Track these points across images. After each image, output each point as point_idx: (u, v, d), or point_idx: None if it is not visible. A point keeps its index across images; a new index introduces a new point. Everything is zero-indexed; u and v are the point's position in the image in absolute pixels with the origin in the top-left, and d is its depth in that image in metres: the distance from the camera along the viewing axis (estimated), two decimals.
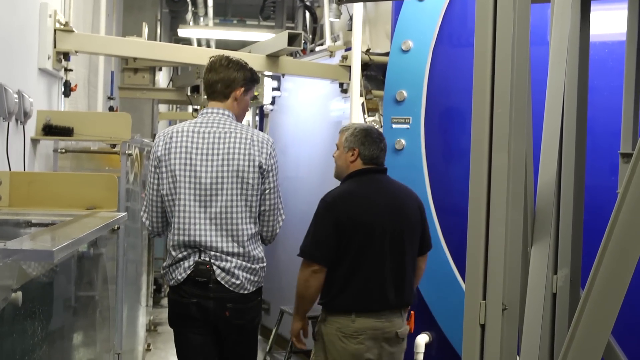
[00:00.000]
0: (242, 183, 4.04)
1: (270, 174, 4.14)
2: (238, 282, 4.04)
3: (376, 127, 6.44)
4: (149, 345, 8.13)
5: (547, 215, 3.06)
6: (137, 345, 6.71)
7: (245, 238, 4.05)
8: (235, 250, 4.03)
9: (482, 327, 2.64)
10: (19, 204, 4.36)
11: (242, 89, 4.24)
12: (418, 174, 5.45)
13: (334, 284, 4.31)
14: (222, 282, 4.02)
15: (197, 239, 4.02)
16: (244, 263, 4.05)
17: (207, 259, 4.02)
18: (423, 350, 5.37)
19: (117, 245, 5.11)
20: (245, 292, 4.07)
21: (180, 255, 4.07)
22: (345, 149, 4.49)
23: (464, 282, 2.71)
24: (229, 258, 4.02)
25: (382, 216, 4.34)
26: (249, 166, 4.05)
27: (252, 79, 4.33)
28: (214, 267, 4.01)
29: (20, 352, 2.71)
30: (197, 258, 4.03)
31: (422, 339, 5.39)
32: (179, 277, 4.07)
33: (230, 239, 4.03)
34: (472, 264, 2.66)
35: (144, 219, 4.32)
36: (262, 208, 4.14)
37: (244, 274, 4.05)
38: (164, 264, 4.24)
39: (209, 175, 4.03)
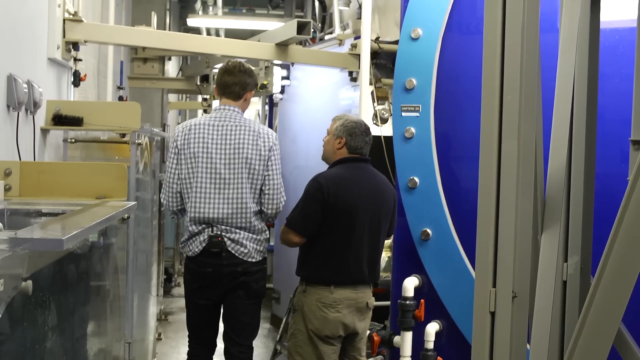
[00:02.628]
0: (250, 169, 4.82)
1: (272, 161, 4.90)
2: (246, 250, 4.83)
3: (386, 115, 6.45)
4: (159, 335, 8.15)
5: (557, 202, 3.06)
6: (147, 334, 6.73)
7: (251, 214, 4.83)
8: (243, 224, 4.82)
9: (492, 314, 2.64)
10: (29, 193, 4.37)
11: (252, 92, 5.09)
12: (428, 162, 5.43)
13: (316, 258, 4.88)
14: (233, 252, 4.81)
15: (211, 215, 4.79)
16: (250, 235, 4.85)
17: (219, 232, 4.80)
18: (433, 339, 5.36)
19: (127, 235, 5.13)
20: (252, 259, 4.87)
21: (196, 230, 4.83)
22: (334, 136, 5.03)
23: (474, 270, 2.71)
24: (237, 231, 4.81)
25: (365, 200, 4.89)
26: (256, 155, 4.83)
27: (255, 83, 5.15)
28: (225, 239, 4.80)
29: (30, 341, 2.72)
30: (210, 232, 4.81)
31: (433, 328, 5.38)
32: (196, 250, 4.84)
33: (238, 215, 4.81)
34: (482, 251, 2.66)
35: (162, 199, 5.05)
36: (266, 189, 4.88)
37: (251, 244, 4.85)
38: (182, 239, 5.01)
39: (223, 161, 4.81)
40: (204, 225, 4.82)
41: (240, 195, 4.80)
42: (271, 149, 4.88)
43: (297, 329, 4.97)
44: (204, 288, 4.91)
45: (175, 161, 4.91)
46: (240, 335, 5.02)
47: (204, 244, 4.82)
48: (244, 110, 5.07)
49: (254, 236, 4.87)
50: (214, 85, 5.16)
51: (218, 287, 4.88)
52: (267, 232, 4.98)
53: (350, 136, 4.98)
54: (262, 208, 4.91)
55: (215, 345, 5.14)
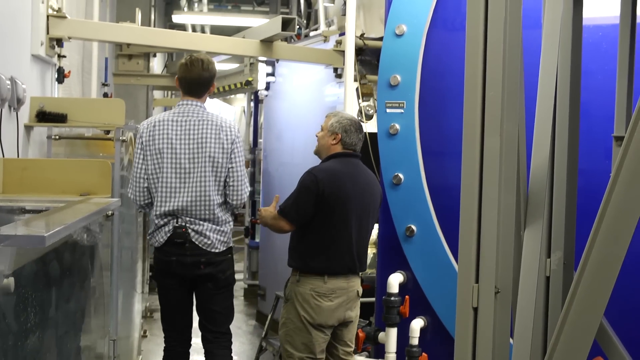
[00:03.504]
0: (214, 162, 4.89)
1: (235, 153, 4.95)
2: (209, 241, 4.90)
3: (371, 111, 6.45)
4: (145, 332, 8.14)
5: (540, 198, 3.07)
6: (133, 331, 6.71)
7: (215, 206, 4.89)
8: (206, 216, 4.89)
9: (475, 310, 2.65)
10: (13, 190, 4.36)
11: (214, 85, 5.13)
12: (412, 158, 5.44)
13: (311, 249, 5.02)
14: (196, 243, 4.88)
15: (176, 207, 4.86)
16: (214, 226, 4.91)
17: (183, 223, 4.87)
18: (418, 335, 5.37)
19: (112, 232, 5.12)
20: (216, 250, 4.93)
21: (161, 222, 4.91)
22: (329, 132, 5.14)
23: (457, 265, 2.72)
24: (201, 222, 4.88)
25: (357, 193, 5.03)
26: (218, 148, 4.90)
27: (215, 74, 5.12)
28: (189, 230, 4.87)
29: (13, 338, 2.71)
30: (175, 223, 4.88)
31: (417, 324, 5.39)
32: (161, 240, 4.92)
33: (203, 207, 4.87)
34: (464, 247, 2.67)
35: (129, 194, 5.08)
36: (230, 181, 4.94)
37: (214, 234, 4.92)
38: (149, 231, 5.06)
39: (188, 156, 4.87)
40: (169, 217, 4.89)
41: (204, 188, 4.86)
42: (234, 142, 4.94)
43: (288, 318, 5.07)
44: (170, 276, 4.99)
45: (141, 157, 4.95)
46: (213, 323, 5.12)
47: (168, 234, 4.89)
48: (205, 101, 5.12)
49: (218, 227, 4.93)
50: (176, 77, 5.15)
51: (183, 276, 4.95)
52: (231, 223, 5.07)
53: (345, 133, 5.09)
54: (227, 199, 4.97)
55: (190, 338, 5.20)
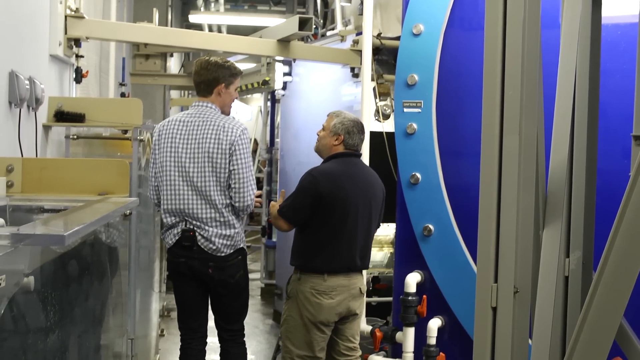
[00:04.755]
0: (212, 161, 4.88)
1: (236, 155, 4.90)
2: (214, 247, 4.92)
3: (388, 111, 6.46)
4: (162, 331, 8.16)
5: (558, 198, 3.06)
6: (150, 330, 6.73)
7: (221, 206, 4.91)
8: (213, 215, 4.91)
9: (494, 310, 2.64)
10: (31, 189, 4.38)
11: (223, 84, 5.05)
12: (430, 157, 5.43)
13: (311, 248, 5.07)
14: (202, 247, 4.92)
15: (182, 206, 4.91)
16: (220, 231, 4.93)
17: (191, 227, 4.92)
18: (436, 335, 5.36)
19: (130, 231, 5.14)
20: (222, 254, 4.95)
21: (170, 222, 4.97)
22: (331, 133, 5.19)
23: (476, 265, 2.71)
24: (207, 227, 4.91)
25: (358, 193, 5.06)
26: (217, 148, 4.88)
27: (230, 74, 5.09)
28: (197, 235, 4.91)
29: (32, 337, 2.73)
30: (183, 226, 4.94)
31: (435, 323, 5.38)
32: (170, 242, 5.00)
33: (208, 206, 4.90)
34: (483, 246, 2.66)
35: (148, 193, 5.20)
36: (233, 183, 4.91)
37: (219, 240, 4.92)
38: (162, 229, 5.15)
39: (188, 156, 4.91)
40: (177, 219, 4.94)
41: (206, 189, 4.87)
42: (234, 143, 4.89)
43: (290, 315, 5.16)
44: (182, 276, 5.06)
45: (153, 157, 5.06)
46: (228, 321, 5.19)
47: (177, 237, 4.95)
48: (222, 104, 5.09)
49: (223, 232, 4.93)
50: None
51: (193, 277, 5.01)
52: (238, 226, 5.03)
53: (348, 134, 5.14)
54: (232, 202, 4.95)
55: (205, 336, 5.24)
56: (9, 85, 4.43)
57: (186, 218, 4.92)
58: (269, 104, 11.94)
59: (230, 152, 4.89)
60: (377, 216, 5.27)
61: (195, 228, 4.90)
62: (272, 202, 5.35)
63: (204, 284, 5.06)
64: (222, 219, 4.91)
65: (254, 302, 10.20)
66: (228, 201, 4.94)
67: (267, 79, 9.01)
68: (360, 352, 5.35)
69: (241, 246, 5.09)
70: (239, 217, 5.07)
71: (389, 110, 6.52)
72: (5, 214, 3.60)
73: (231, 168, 4.90)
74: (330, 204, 4.98)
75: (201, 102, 5.03)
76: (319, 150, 5.32)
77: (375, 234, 5.37)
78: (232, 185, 4.91)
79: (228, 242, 4.96)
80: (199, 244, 4.90)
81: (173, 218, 4.95)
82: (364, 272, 5.37)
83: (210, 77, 5.01)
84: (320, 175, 5.05)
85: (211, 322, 5.23)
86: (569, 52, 3.12)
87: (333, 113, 5.30)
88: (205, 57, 5.14)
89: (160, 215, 5.15)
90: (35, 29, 5.17)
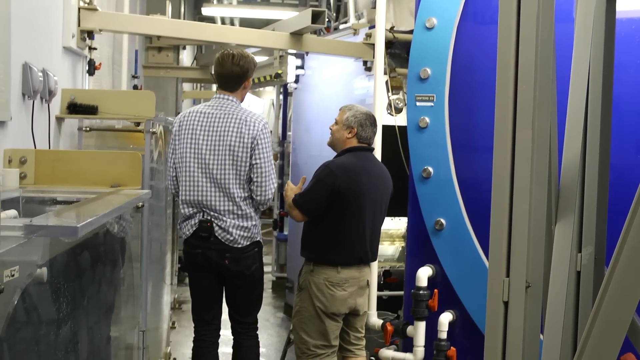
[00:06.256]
0: (233, 155, 4.92)
1: (257, 149, 4.95)
2: (232, 238, 4.95)
3: (400, 104, 6.45)
4: (173, 323, 8.18)
5: (571, 192, 3.05)
6: (162, 323, 6.75)
7: (239, 199, 4.95)
8: (230, 208, 4.95)
9: (506, 304, 2.64)
10: (44, 181, 4.39)
11: (250, 79, 5.14)
12: (442, 151, 5.43)
13: (326, 240, 5.14)
14: (220, 238, 4.96)
15: (200, 198, 4.96)
16: (237, 222, 4.96)
17: (209, 218, 4.96)
18: (447, 329, 5.36)
19: (142, 223, 5.15)
20: (239, 245, 4.99)
21: (188, 213, 5.02)
22: (344, 126, 5.25)
23: (488, 259, 2.71)
24: (225, 218, 4.95)
25: (372, 188, 5.16)
26: (239, 142, 4.92)
27: (253, 68, 5.17)
28: (215, 226, 4.95)
29: (45, 328, 2.74)
30: (201, 217, 4.98)
31: (446, 318, 5.38)
32: (187, 232, 5.05)
33: (225, 198, 4.94)
34: (495, 241, 2.66)
35: (167, 182, 5.25)
36: (254, 177, 4.96)
37: (237, 231, 4.96)
38: (179, 221, 5.18)
39: (209, 148, 4.95)
40: (195, 210, 4.99)
41: (226, 181, 4.91)
42: (256, 137, 4.93)
43: (302, 306, 5.22)
44: (198, 268, 5.09)
45: (172, 147, 5.10)
46: (242, 314, 5.22)
47: (194, 227, 4.99)
48: (242, 97, 5.17)
49: (241, 223, 4.97)
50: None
51: (209, 268, 5.04)
52: (256, 218, 5.08)
53: (361, 127, 5.20)
54: (252, 195, 4.99)
55: (219, 328, 5.28)
56: (23, 77, 4.44)
57: (204, 209, 4.96)
58: (281, 97, 11.94)
59: (252, 146, 4.93)
60: (386, 210, 5.36)
61: (212, 219, 4.95)
62: (289, 182, 5.43)
63: (220, 276, 5.09)
64: (239, 212, 4.96)
65: (265, 295, 10.18)
66: (246, 194, 4.98)
67: (279, 72, 9.01)
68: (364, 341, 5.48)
69: (258, 239, 5.13)
70: (257, 210, 5.10)
71: (402, 104, 6.51)
72: (19, 206, 3.61)
73: (253, 162, 4.94)
74: (346, 198, 5.05)
75: (223, 95, 5.07)
76: (332, 144, 5.38)
77: (387, 228, 5.43)
78: (254, 179, 4.95)
79: (245, 234, 5.00)
80: (217, 234, 4.95)
81: (191, 209, 5.00)
82: (374, 264, 5.51)
83: (241, 72, 5.05)
84: (337, 169, 5.10)
85: (224, 315, 5.25)
86: (583, 46, 3.11)
87: (345, 107, 5.35)
88: (230, 51, 5.12)
89: (171, 208, 5.18)
90: (49, 21, 5.18)
